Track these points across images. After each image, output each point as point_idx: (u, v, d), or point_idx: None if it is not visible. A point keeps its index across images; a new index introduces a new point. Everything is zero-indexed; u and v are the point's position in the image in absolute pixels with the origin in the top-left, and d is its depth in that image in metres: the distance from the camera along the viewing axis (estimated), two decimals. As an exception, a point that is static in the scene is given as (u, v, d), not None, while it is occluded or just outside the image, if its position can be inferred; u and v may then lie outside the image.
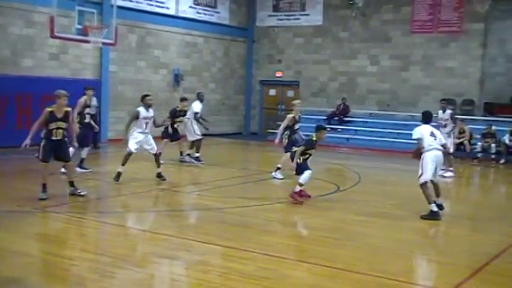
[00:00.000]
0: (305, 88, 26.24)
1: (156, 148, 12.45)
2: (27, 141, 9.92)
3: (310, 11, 25.97)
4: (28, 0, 17.84)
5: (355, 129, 23.17)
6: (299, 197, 10.51)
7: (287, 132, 13.37)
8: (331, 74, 25.58)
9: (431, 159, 9.84)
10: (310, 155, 10.74)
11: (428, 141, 9.92)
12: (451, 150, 14.17)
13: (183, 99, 15.61)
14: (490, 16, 22.59)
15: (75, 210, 9.63)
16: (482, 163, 18.82)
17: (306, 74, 26.25)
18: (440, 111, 15.43)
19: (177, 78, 23.56)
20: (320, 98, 25.73)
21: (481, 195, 14.33)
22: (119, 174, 11.96)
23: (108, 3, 19.32)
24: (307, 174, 10.51)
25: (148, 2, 22.09)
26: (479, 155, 19.17)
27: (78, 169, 13.03)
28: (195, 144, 15.64)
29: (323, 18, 25.63)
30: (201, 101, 15.96)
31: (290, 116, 13.41)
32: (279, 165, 13.44)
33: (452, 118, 15.35)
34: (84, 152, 13.15)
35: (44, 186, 10.04)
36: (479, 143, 19.29)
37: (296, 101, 13.88)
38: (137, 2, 21.61)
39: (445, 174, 14.25)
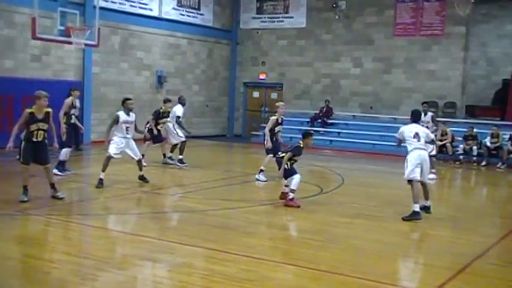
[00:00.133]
0: (288, 90, 26.29)
1: (139, 154, 12.34)
2: (11, 144, 9.84)
3: (294, 14, 26.03)
4: (9, 1, 17.69)
5: (338, 132, 23.25)
6: (293, 202, 10.51)
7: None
8: (315, 77, 25.65)
9: (414, 158, 9.95)
10: (296, 160, 10.77)
11: (410, 142, 10.05)
12: (433, 152, 14.26)
13: (166, 101, 15.55)
14: (471, 20, 22.83)
15: (56, 212, 9.54)
16: (464, 165, 18.98)
17: (289, 76, 26.30)
18: (422, 114, 15.51)
19: (160, 80, 23.48)
20: (303, 100, 25.80)
21: (462, 197, 14.44)
22: (101, 181, 11.76)
23: (90, 4, 19.25)
24: (297, 179, 10.52)
25: (131, 3, 21.99)
26: (461, 157, 19.33)
27: (56, 171, 12.91)
28: (179, 147, 15.56)
29: (306, 21, 25.71)
30: (183, 105, 15.89)
31: (273, 118, 13.41)
32: (262, 168, 13.44)
33: (434, 121, 15.46)
34: (65, 154, 13.00)
35: (25, 188, 9.94)
36: (461, 146, 19.44)
37: (280, 103, 13.88)
38: (120, 4, 21.50)
39: (428, 176, 14.31)
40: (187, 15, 24.84)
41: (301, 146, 10.61)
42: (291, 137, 18.94)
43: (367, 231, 9.11)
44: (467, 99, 23.70)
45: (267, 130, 13.32)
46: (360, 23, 24.49)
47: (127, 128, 11.99)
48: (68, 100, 13.24)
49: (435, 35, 22.94)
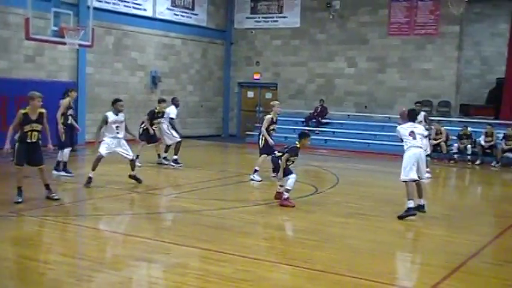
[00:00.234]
0: (283, 90, 26.29)
1: (131, 154, 12.25)
2: (8, 146, 9.83)
3: (288, 14, 26.04)
4: (2, 1, 17.62)
5: (333, 131, 23.26)
6: (289, 202, 10.51)
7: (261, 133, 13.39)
8: (309, 76, 25.66)
9: (410, 157, 10.00)
10: (293, 161, 10.78)
11: (406, 141, 10.12)
12: (428, 151, 14.30)
13: (161, 101, 15.53)
14: (465, 19, 22.90)
15: (51, 213, 9.51)
16: (459, 164, 19.03)
17: (283, 76, 26.31)
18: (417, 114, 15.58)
19: (155, 80, 23.45)
20: (298, 100, 25.81)
21: (457, 196, 14.47)
22: (89, 179, 11.72)
23: (84, 4, 19.20)
24: (292, 179, 10.52)
25: (125, 3, 21.96)
26: (455, 156, 19.39)
27: (56, 172, 12.90)
28: (173, 147, 15.54)
29: (300, 21, 25.72)
30: (177, 106, 15.88)
31: (268, 117, 13.41)
32: (256, 168, 13.44)
33: (426, 120, 15.50)
34: (66, 155, 13.01)
35: (19, 189, 9.91)
36: (455, 144, 19.49)
37: (275, 102, 13.88)
38: (114, 4, 21.47)
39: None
40: (182, 15, 24.81)
41: (298, 146, 10.61)
42: (285, 137, 18.95)
43: (362, 231, 9.12)
44: (461, 98, 23.77)
45: (263, 129, 13.30)
46: (354, 23, 24.52)
47: (117, 127, 11.92)
48: (65, 101, 13.23)
49: (429, 34, 22.99)
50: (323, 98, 24.30)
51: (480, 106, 24.37)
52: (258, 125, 21.89)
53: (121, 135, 12.03)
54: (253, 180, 13.37)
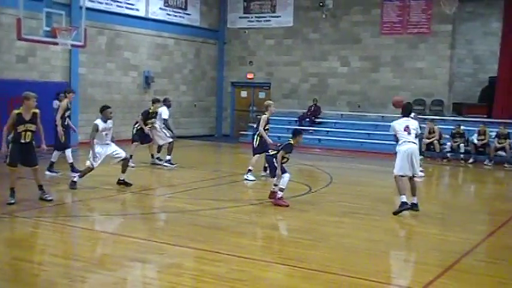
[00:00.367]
0: (276, 90, 26.30)
1: (123, 153, 12.07)
2: (4, 148, 9.81)
3: (281, 13, 26.05)
4: (-6, 2, 17.57)
5: (327, 130, 23.27)
6: (282, 201, 10.51)
7: (258, 133, 13.39)
8: (302, 76, 25.68)
9: (404, 152, 10.06)
10: (288, 159, 10.79)
11: (401, 136, 10.17)
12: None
13: (155, 101, 15.51)
14: (457, 18, 22.97)
15: (44, 214, 9.49)
16: (452, 163, 19.08)
17: (277, 76, 26.31)
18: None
19: (148, 80, 23.41)
20: (291, 99, 25.82)
21: (450, 194, 14.51)
22: (74, 183, 11.56)
23: (76, 5, 19.12)
24: (286, 178, 10.53)
25: (118, 3, 21.90)
26: (448, 154, 19.43)
27: (48, 173, 12.90)
28: (166, 147, 15.51)
29: (293, 20, 25.73)
30: (168, 107, 15.85)
31: (265, 116, 13.40)
32: (250, 167, 13.44)
33: (416, 119, 15.50)
34: (69, 156, 13.01)
35: (12, 190, 9.87)
36: (448, 143, 19.54)
37: (271, 102, 13.89)
38: (107, 4, 21.42)
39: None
40: (174, 15, 24.78)
41: (292, 143, 10.64)
42: (279, 136, 18.92)
43: (357, 230, 9.13)
44: (454, 97, 23.84)
45: (261, 129, 13.29)
46: (347, 22, 24.55)
47: (106, 134, 11.73)
48: (64, 103, 13.26)
49: (422, 33, 23.05)
50: (316, 98, 24.31)
51: (473, 105, 24.43)
52: (252, 124, 21.91)
53: (109, 140, 11.91)
54: (247, 180, 13.37)
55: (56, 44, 16.49)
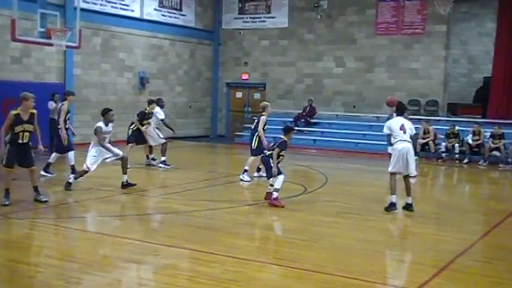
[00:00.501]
0: (271, 90, 26.31)
1: (121, 152, 12.04)
2: (2, 149, 9.79)
3: (276, 14, 26.06)
4: (-12, 3, 17.51)
5: (322, 131, 23.30)
6: (278, 202, 10.51)
7: (257, 134, 13.40)
8: (298, 76, 25.70)
9: (398, 151, 10.13)
10: (283, 156, 10.81)
11: (396, 135, 10.22)
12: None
13: (151, 102, 15.51)
14: (452, 18, 23.03)
15: (39, 215, 9.47)
16: (447, 163, 19.12)
17: (272, 76, 26.32)
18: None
19: (143, 81, 23.38)
20: (287, 100, 25.83)
21: (445, 194, 14.53)
22: (69, 184, 11.56)
23: (71, 5, 19.09)
24: (281, 178, 10.54)
25: (112, 4, 21.87)
26: (443, 155, 19.46)
27: (43, 173, 12.90)
28: (160, 149, 15.48)
29: (288, 21, 25.75)
30: (162, 107, 15.87)
31: (264, 117, 13.41)
32: (246, 168, 13.45)
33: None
34: (71, 158, 12.97)
35: (7, 191, 9.85)
36: (443, 143, 19.58)
37: (267, 103, 13.93)
38: (101, 5, 21.38)
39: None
40: (169, 16, 24.76)
41: (286, 140, 10.68)
42: (274, 137, 18.88)
43: (351, 230, 9.15)
44: (449, 97, 23.90)
45: (261, 129, 13.30)
46: (341, 23, 24.58)
47: (104, 138, 11.74)
48: (65, 106, 13.27)
49: (417, 33, 23.09)
50: (311, 98, 24.33)
51: (467, 105, 24.51)
52: (248, 125, 21.93)
53: (108, 143, 11.88)
54: (242, 180, 13.38)
55: (50, 45, 16.48)
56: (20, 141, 9.88)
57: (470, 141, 19.20)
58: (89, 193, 11.41)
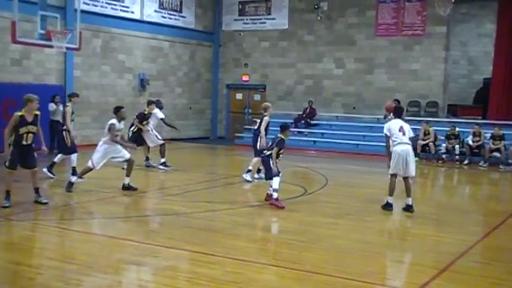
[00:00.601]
0: (272, 92, 26.31)
1: (127, 154, 11.97)
2: (7, 150, 9.81)
3: (276, 15, 26.08)
4: (-12, 5, 17.52)
5: (322, 132, 23.30)
6: (278, 203, 10.50)
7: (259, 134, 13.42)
8: (298, 78, 25.71)
9: (398, 153, 10.19)
10: (282, 154, 10.82)
11: (395, 136, 10.26)
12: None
13: (150, 103, 15.54)
14: (451, 19, 23.03)
15: (40, 217, 9.48)
16: (447, 164, 19.11)
17: (272, 78, 26.33)
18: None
19: (143, 83, 23.40)
20: (287, 101, 25.83)
21: (445, 195, 14.53)
22: (71, 184, 11.58)
23: (71, 7, 19.11)
24: (277, 179, 10.55)
25: (112, 6, 21.90)
26: (443, 156, 19.45)
27: (45, 170, 12.90)
28: (159, 150, 15.46)
29: (288, 22, 25.76)
30: (161, 108, 15.92)
31: (267, 118, 13.40)
32: (250, 168, 13.50)
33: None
34: (74, 160, 13.03)
35: (8, 193, 9.86)
36: (443, 145, 19.57)
37: (269, 104, 13.94)
38: (101, 7, 21.40)
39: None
40: (169, 18, 24.79)
41: (283, 138, 10.73)
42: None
43: (351, 231, 9.15)
44: (449, 99, 23.90)
45: (263, 130, 13.30)
46: (341, 24, 24.59)
47: (116, 135, 11.81)
48: (69, 108, 13.32)
49: (416, 35, 23.10)
50: (312, 99, 24.33)
51: (467, 106, 24.50)
52: (248, 126, 21.95)
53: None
54: (245, 179, 13.42)
55: (50, 46, 16.48)
56: (24, 142, 9.90)
57: (470, 143, 19.20)
58: (89, 195, 11.41)
